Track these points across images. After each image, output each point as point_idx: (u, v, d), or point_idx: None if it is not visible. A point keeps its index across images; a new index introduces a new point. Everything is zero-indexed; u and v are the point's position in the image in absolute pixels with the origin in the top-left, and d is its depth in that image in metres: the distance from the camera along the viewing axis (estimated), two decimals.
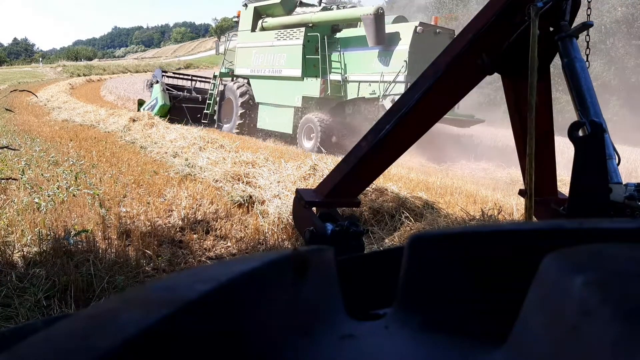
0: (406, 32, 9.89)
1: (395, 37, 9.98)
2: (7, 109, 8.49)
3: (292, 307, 0.37)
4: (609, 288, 0.25)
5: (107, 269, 2.97)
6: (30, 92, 4.77)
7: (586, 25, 1.94)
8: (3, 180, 4.64)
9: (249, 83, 12.75)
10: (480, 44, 1.95)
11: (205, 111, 13.56)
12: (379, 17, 9.85)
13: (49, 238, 3.25)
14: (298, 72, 11.15)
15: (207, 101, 13.70)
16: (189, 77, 15.20)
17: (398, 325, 0.40)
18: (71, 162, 6.41)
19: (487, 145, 11.92)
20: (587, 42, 2.11)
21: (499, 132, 12.30)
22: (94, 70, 44.92)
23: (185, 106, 13.56)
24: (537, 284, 0.31)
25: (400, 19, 11.11)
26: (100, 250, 3.28)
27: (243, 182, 5.31)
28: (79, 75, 38.86)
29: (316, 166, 5.35)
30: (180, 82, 14.93)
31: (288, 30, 11.64)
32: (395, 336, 0.39)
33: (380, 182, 4.96)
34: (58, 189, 4.69)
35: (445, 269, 0.40)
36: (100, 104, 18.36)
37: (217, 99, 13.44)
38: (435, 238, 0.42)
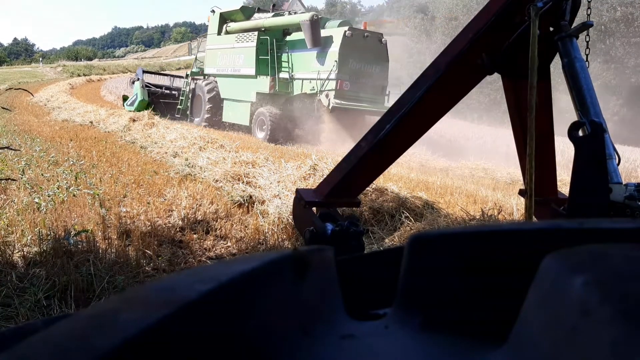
0: (337, 35, 11.31)
1: (329, 40, 11.46)
2: (4, 108, 8.47)
3: (292, 307, 0.37)
4: (609, 288, 0.25)
5: (107, 269, 2.97)
6: (27, 90, 4.76)
7: (586, 25, 1.94)
8: (3, 181, 4.64)
9: (215, 81, 14.21)
10: (480, 44, 1.96)
11: (178, 107, 15.00)
12: (314, 23, 11.33)
13: (49, 238, 3.24)
14: (252, 71, 12.68)
15: (180, 97, 15.18)
16: (168, 75, 16.90)
17: (398, 325, 0.40)
18: (71, 162, 6.41)
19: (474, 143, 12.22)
20: (587, 42, 2.11)
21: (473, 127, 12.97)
22: (94, 70, 44.93)
23: (162, 102, 15.11)
24: (537, 284, 0.31)
25: (345, 24, 12.53)
26: (100, 250, 3.28)
27: (243, 182, 5.31)
28: (79, 75, 38.86)
29: (316, 166, 5.35)
30: (161, 81, 16.45)
31: (245, 33, 13.25)
32: (395, 336, 0.39)
33: (380, 182, 4.96)
34: (58, 189, 4.69)
35: (445, 269, 0.40)
36: (101, 104, 18.35)
37: (189, 95, 14.99)
38: (435, 238, 0.42)
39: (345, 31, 11.19)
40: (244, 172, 5.59)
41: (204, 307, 0.28)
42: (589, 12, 2.12)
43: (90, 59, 74.90)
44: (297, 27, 11.99)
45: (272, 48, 12.33)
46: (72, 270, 2.83)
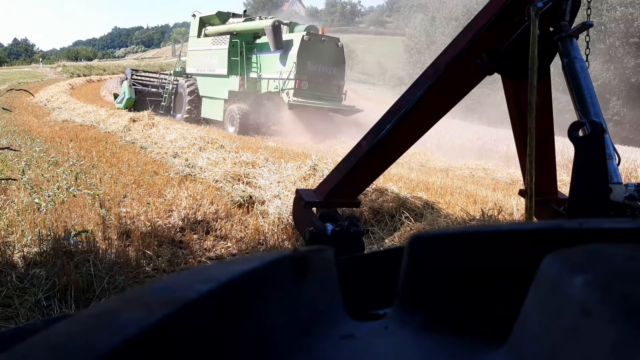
0: (297, 39, 12.66)
1: (290, 44, 12.80)
2: (4, 109, 8.47)
3: (292, 307, 0.37)
4: (609, 288, 0.25)
5: (107, 269, 2.97)
6: (27, 91, 4.77)
7: (586, 25, 1.94)
8: (3, 181, 4.64)
9: (195, 80, 15.51)
10: (480, 44, 1.96)
11: (162, 103, 16.34)
12: (275, 28, 12.77)
13: (49, 238, 3.24)
14: (225, 71, 14.00)
15: (164, 95, 16.53)
16: (157, 75, 18.42)
17: (398, 325, 0.40)
18: (71, 163, 6.41)
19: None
20: (587, 42, 2.11)
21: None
22: (94, 70, 44.94)
23: (149, 99, 16.45)
24: (537, 284, 0.31)
25: (310, 29, 13.81)
26: (100, 251, 3.28)
27: (243, 182, 5.31)
28: (79, 76, 38.87)
29: (316, 166, 5.35)
30: (148, 80, 17.85)
31: (220, 36, 14.61)
32: (395, 336, 0.39)
33: (380, 182, 4.96)
34: (58, 189, 4.69)
35: (445, 269, 0.40)
36: (101, 104, 18.38)
37: (172, 93, 16.37)
38: (435, 238, 0.42)
39: (303, 36, 12.63)
40: (244, 172, 5.59)
41: (204, 307, 0.28)
42: (589, 12, 2.12)
43: (90, 59, 74.89)
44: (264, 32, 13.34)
45: (242, 50, 13.78)
46: (72, 270, 2.83)
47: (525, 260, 0.35)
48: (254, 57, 13.84)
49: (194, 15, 16.10)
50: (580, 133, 1.57)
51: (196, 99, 15.16)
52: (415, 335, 0.38)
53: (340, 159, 2.33)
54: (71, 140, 8.70)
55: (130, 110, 14.00)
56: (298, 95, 12.36)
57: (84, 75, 39.22)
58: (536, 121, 1.78)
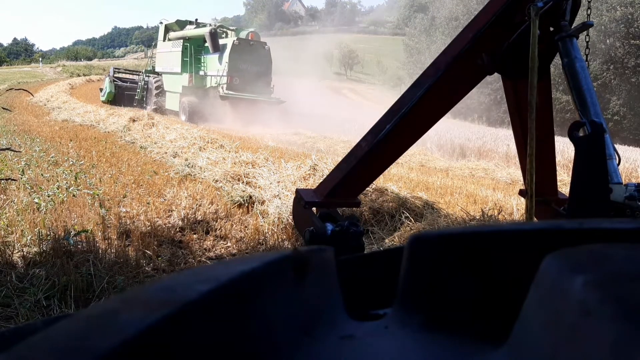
0: (229, 43, 15.74)
1: (225, 47, 15.82)
2: (3, 108, 8.47)
3: (293, 307, 0.37)
4: (609, 288, 0.25)
5: (107, 269, 2.96)
6: (26, 90, 4.77)
7: (586, 25, 1.94)
8: (3, 181, 4.64)
9: (161, 77, 18.36)
10: (480, 44, 1.95)
11: (136, 97, 19.30)
12: (213, 34, 16.05)
13: (48, 238, 3.24)
14: (179, 70, 16.92)
15: (137, 90, 19.48)
16: (137, 73, 21.49)
17: (398, 325, 0.40)
18: (71, 162, 6.41)
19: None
20: (587, 42, 2.11)
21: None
22: (94, 70, 44.86)
23: (127, 93, 19.60)
24: (537, 284, 0.31)
25: (249, 34, 16.89)
26: (100, 251, 3.27)
27: (243, 182, 5.30)
28: (78, 75, 38.79)
29: (316, 166, 5.34)
30: (128, 77, 21.17)
31: (177, 41, 17.69)
32: (395, 336, 0.39)
33: (380, 182, 4.96)
34: (58, 189, 4.68)
35: (445, 269, 0.40)
36: (100, 104, 18.42)
37: (144, 88, 19.24)
38: (435, 238, 0.42)
39: (234, 41, 15.77)
40: (244, 172, 5.59)
41: (204, 307, 0.28)
42: (589, 12, 2.11)
43: (90, 59, 74.84)
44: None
45: (191, 52, 16.76)
46: (72, 270, 2.83)
47: (525, 260, 0.35)
48: (202, 58, 16.81)
49: (161, 22, 19.41)
50: (581, 133, 1.57)
51: (161, 93, 18.04)
52: (415, 335, 0.38)
53: (340, 159, 2.33)
54: (71, 140, 8.70)
55: (110, 103, 18.47)
56: (230, 88, 15.23)
57: (84, 75, 39.15)
58: (536, 121, 1.78)
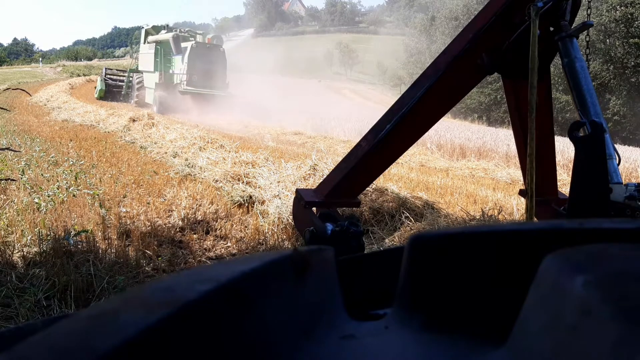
0: (188, 46, 18.89)
1: (185, 49, 18.93)
2: (3, 108, 8.47)
3: (293, 307, 0.37)
4: (609, 288, 0.25)
5: (107, 269, 2.97)
6: (24, 90, 4.77)
7: (586, 25, 1.94)
8: (3, 181, 4.64)
9: (142, 75, 21.21)
10: (480, 44, 1.95)
11: (122, 93, 22.72)
12: (175, 39, 19.41)
13: (49, 238, 3.24)
14: (152, 69, 20.07)
15: (124, 86, 22.92)
16: (125, 72, 24.15)
17: (398, 325, 0.40)
18: (71, 162, 6.41)
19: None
20: (587, 42, 2.11)
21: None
22: (94, 70, 44.81)
23: (115, 90, 23.01)
24: (537, 284, 0.31)
25: (213, 38, 20.85)
26: (100, 251, 3.27)
27: (243, 182, 5.30)
28: (78, 75, 38.80)
29: (316, 166, 5.34)
30: (118, 76, 24.30)
31: (152, 44, 20.81)
32: (395, 336, 0.39)
33: (380, 182, 4.96)
34: (58, 189, 4.68)
35: (445, 269, 0.40)
36: (100, 104, 18.45)
37: (129, 85, 22.46)
38: (435, 238, 0.42)
39: (192, 44, 18.99)
40: (244, 172, 5.59)
41: (203, 307, 0.28)
42: (589, 12, 2.11)
43: (90, 59, 74.86)
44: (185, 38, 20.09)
45: (162, 54, 20.02)
46: (72, 270, 2.83)
47: (525, 260, 0.35)
48: (171, 58, 19.86)
49: (142, 27, 22.87)
50: (581, 133, 1.57)
51: (142, 89, 20.80)
52: (415, 335, 0.38)
53: (340, 159, 2.33)
54: (71, 140, 8.70)
55: (101, 99, 21.84)
56: (189, 85, 18.26)
57: (84, 75, 39.14)
58: (536, 121, 1.78)
